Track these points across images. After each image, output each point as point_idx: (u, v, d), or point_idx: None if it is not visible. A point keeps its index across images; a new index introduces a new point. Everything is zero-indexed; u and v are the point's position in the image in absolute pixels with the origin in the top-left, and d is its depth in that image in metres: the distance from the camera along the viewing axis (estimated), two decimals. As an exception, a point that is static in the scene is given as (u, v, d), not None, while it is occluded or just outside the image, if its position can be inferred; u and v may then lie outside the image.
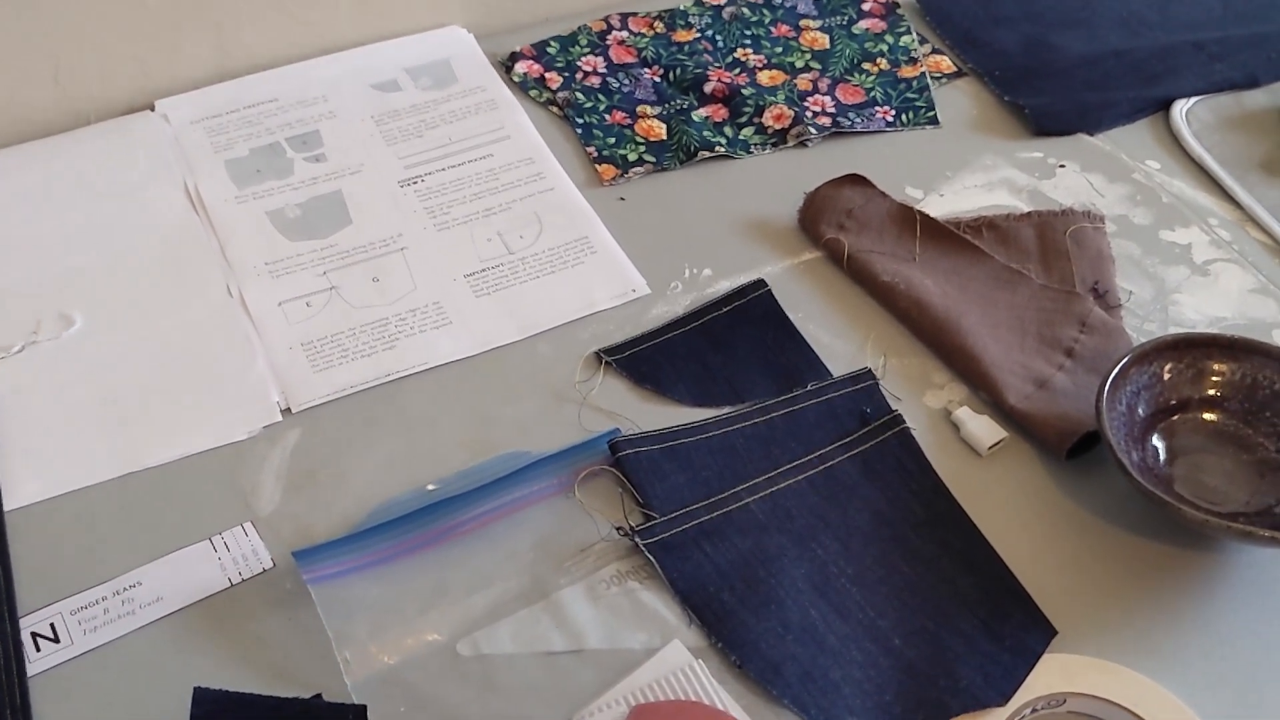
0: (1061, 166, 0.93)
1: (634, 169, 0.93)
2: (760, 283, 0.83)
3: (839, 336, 0.81)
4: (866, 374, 0.78)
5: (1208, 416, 0.73)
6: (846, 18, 1.07)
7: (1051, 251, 0.85)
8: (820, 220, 0.87)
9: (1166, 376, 0.73)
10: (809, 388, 0.77)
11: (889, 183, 0.91)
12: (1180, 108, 0.97)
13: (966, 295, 0.82)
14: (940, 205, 0.90)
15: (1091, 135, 0.96)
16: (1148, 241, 0.87)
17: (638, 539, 0.68)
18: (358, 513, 0.70)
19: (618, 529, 0.69)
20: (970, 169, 0.93)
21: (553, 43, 1.03)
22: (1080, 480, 0.73)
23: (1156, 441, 0.72)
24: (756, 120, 0.96)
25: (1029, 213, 0.88)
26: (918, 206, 0.90)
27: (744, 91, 0.98)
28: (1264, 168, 0.93)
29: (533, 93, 0.99)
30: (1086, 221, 0.87)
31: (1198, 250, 0.87)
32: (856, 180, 0.88)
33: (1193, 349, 0.74)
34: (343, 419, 0.75)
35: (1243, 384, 0.73)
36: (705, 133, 0.95)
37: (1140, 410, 0.72)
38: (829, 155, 0.94)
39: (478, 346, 0.80)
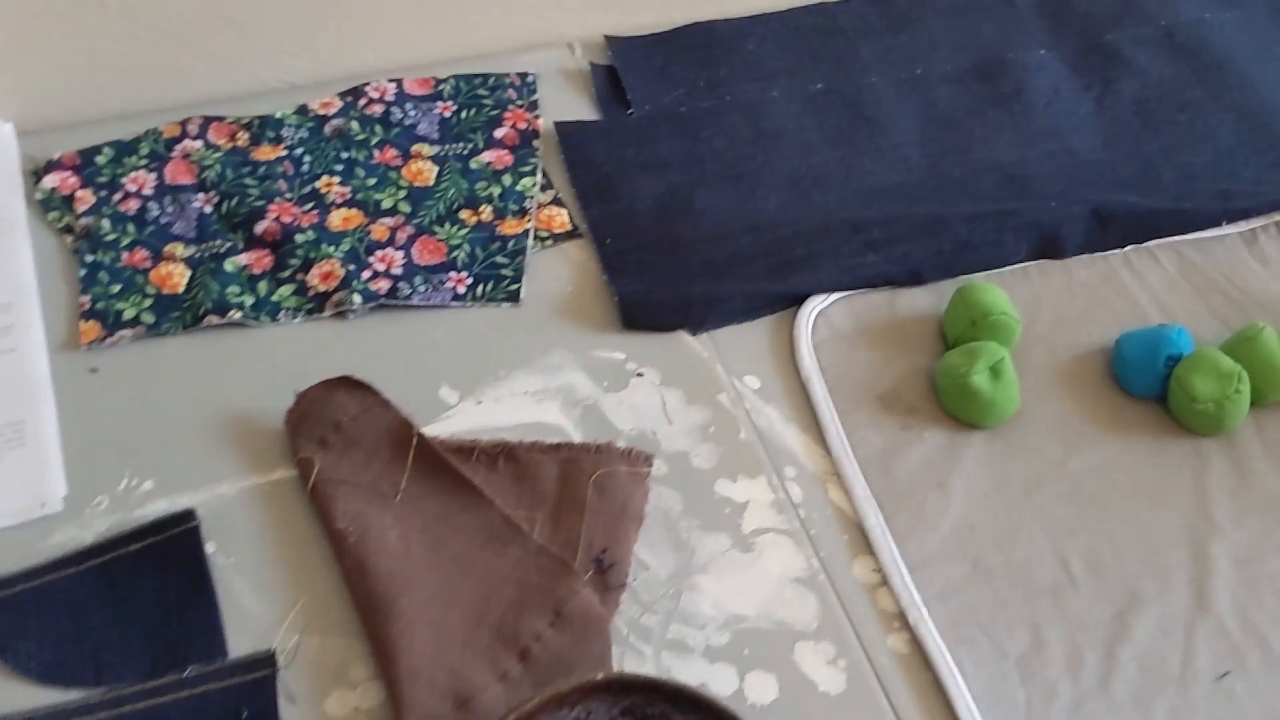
0: (639, 375, 0.77)
1: (123, 330, 0.77)
2: (189, 514, 0.68)
3: (266, 598, 0.65)
4: (268, 659, 0.62)
5: (634, 786, 0.58)
6: (471, 146, 0.90)
7: (568, 501, 0.69)
8: (301, 431, 0.71)
9: (588, 728, 0.58)
10: (186, 674, 0.62)
11: (426, 378, 0.75)
12: (811, 308, 0.81)
13: (439, 556, 0.67)
14: (474, 416, 0.74)
15: (694, 335, 0.79)
16: (697, 494, 0.71)
17: None
18: None
19: None
20: (530, 369, 0.77)
21: (107, 149, 0.87)
22: None
23: (555, 816, 0.57)
24: (300, 277, 0.80)
25: (559, 444, 0.72)
26: (451, 412, 0.74)
27: (298, 237, 0.82)
28: (882, 401, 0.76)
29: (52, 216, 0.83)
30: (624, 463, 0.71)
31: (753, 513, 0.71)
32: (353, 384, 0.72)
33: (630, 693, 0.58)
34: None
35: (686, 746, 0.57)
36: (231, 288, 0.79)
37: (545, 772, 0.57)
38: (372, 331, 0.78)
39: None
